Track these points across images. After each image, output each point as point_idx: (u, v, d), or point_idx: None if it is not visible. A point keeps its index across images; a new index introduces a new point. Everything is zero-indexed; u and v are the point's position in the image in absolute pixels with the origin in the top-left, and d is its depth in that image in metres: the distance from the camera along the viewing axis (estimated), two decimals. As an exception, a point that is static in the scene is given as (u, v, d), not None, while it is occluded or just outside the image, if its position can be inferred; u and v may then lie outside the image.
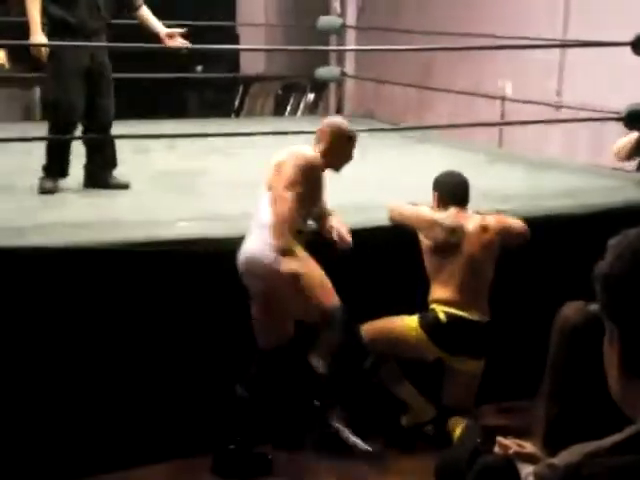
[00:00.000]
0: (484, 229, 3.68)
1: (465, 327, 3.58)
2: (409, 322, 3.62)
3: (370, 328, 3.62)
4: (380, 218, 3.92)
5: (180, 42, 4.55)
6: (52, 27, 4.44)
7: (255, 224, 3.43)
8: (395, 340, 3.63)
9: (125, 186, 4.65)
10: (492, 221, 3.72)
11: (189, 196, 4.55)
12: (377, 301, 3.80)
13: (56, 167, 4.54)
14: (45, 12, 4.41)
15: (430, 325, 3.58)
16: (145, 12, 4.68)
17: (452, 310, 3.59)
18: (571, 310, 2.45)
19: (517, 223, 3.80)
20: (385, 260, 3.86)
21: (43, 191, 4.45)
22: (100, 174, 4.66)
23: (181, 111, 8.98)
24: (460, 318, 3.57)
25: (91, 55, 4.51)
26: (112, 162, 4.70)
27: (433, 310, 3.62)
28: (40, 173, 4.53)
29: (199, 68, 9.12)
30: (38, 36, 4.36)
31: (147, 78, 7.12)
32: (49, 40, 4.40)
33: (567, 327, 2.37)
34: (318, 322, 3.37)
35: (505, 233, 3.73)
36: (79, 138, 4.67)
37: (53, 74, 4.49)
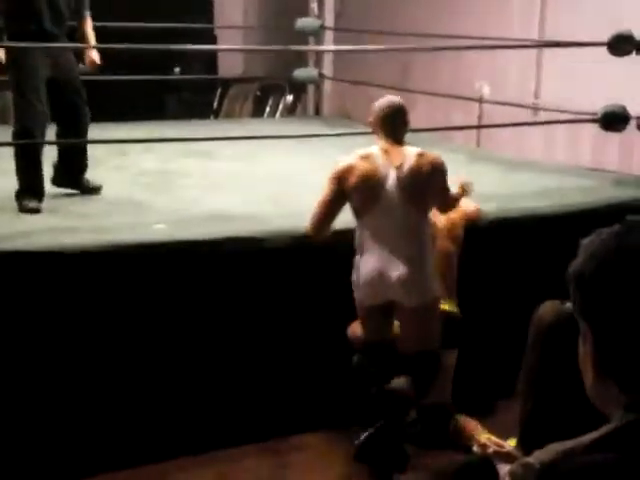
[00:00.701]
0: (452, 224, 3.73)
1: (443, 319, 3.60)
2: None
3: (355, 325, 3.62)
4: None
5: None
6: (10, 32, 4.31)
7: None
8: None
9: (97, 189, 4.60)
10: (457, 216, 3.76)
11: (166, 197, 4.54)
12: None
13: (32, 182, 4.24)
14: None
15: None
16: (87, 23, 4.63)
17: None
18: (547, 309, 2.46)
19: (473, 210, 3.89)
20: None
21: (25, 210, 4.14)
22: (72, 176, 4.58)
23: (159, 113, 8.95)
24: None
25: (54, 60, 4.39)
26: (85, 165, 4.62)
27: None
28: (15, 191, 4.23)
29: (177, 70, 9.10)
30: None
31: (125, 80, 7.09)
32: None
33: (542, 326, 2.38)
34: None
35: (467, 223, 3.80)
36: (54, 143, 4.55)
37: (15, 80, 4.29)
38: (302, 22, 7.33)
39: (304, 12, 7.74)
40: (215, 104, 9.57)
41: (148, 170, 5.33)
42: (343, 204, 3.44)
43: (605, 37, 4.76)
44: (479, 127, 7.68)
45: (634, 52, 4.48)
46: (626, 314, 1.02)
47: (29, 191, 4.23)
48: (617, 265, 1.04)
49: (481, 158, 6.07)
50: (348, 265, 3.43)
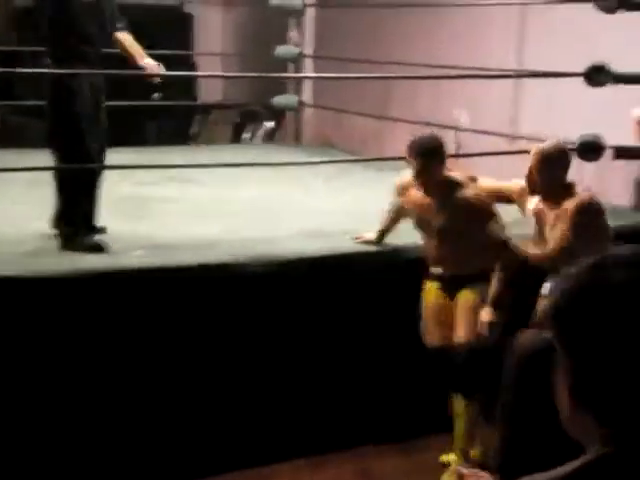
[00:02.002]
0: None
1: None
2: None
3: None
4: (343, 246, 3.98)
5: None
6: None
7: None
8: None
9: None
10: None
11: (146, 224, 4.53)
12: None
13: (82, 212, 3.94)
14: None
15: None
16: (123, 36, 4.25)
17: None
18: (526, 337, 2.47)
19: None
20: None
21: (88, 248, 3.80)
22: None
23: (138, 139, 8.93)
24: None
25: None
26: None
27: None
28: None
29: (156, 96, 9.10)
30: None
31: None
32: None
33: (520, 355, 2.39)
34: None
35: None
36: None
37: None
38: (281, 50, 7.37)
39: (283, 40, 7.78)
40: (194, 130, 9.58)
41: (127, 196, 5.31)
42: None
43: (582, 67, 4.82)
44: (457, 156, 7.73)
45: (609, 83, 4.53)
46: (603, 347, 1.03)
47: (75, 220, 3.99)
48: (593, 296, 1.05)
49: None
50: (331, 291, 3.44)
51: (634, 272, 1.05)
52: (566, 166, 3.43)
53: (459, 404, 3.59)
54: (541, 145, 3.47)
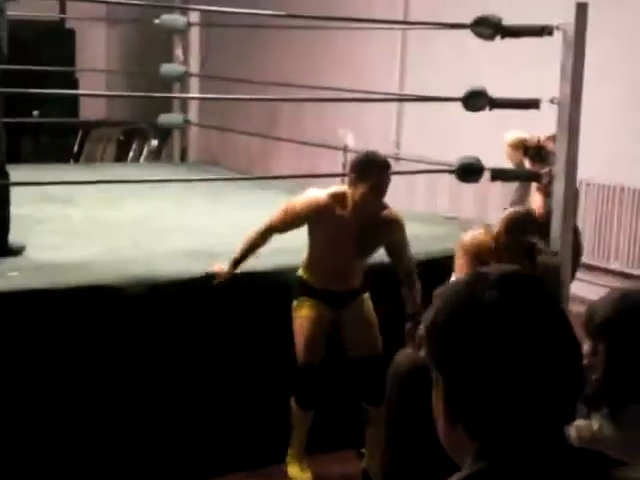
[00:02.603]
0: None
1: None
2: None
3: None
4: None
5: None
6: None
7: None
8: None
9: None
10: None
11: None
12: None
13: None
14: None
15: None
16: None
17: None
18: (402, 358, 2.51)
19: None
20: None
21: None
22: None
23: (15, 156, 8.63)
24: None
25: None
26: None
27: None
28: None
29: (35, 113, 8.84)
30: None
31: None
32: None
33: (398, 375, 2.42)
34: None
35: None
36: None
37: None
38: (166, 68, 7.29)
39: (169, 58, 7.71)
40: (76, 148, 9.34)
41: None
42: None
43: (461, 92, 4.96)
44: (343, 175, 7.82)
45: (487, 107, 4.67)
46: (474, 361, 1.05)
47: None
48: (466, 314, 1.07)
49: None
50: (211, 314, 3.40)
51: (505, 292, 1.08)
52: None
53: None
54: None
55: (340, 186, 3.83)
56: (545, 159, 4.80)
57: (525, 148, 4.95)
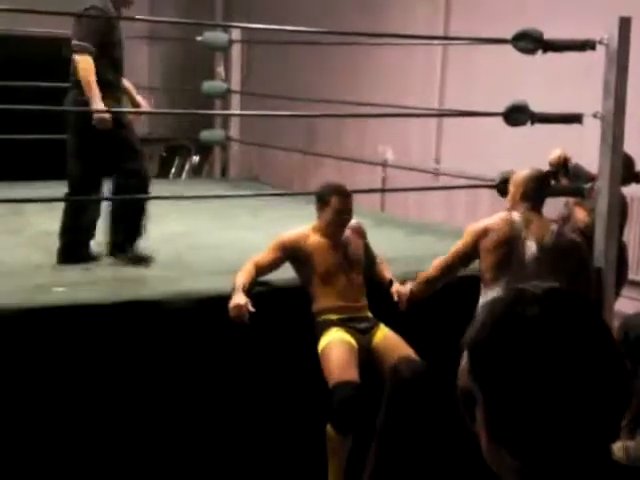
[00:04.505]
0: None
1: None
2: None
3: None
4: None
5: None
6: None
7: None
8: None
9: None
10: None
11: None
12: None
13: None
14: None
15: None
16: None
17: None
18: (402, 365, 2.52)
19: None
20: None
21: (138, 260, 4.31)
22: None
23: (60, 174, 8.77)
24: None
25: None
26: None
27: None
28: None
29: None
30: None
31: (24, 140, 6.94)
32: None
33: (396, 383, 2.41)
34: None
35: None
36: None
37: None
38: (208, 85, 7.38)
39: (210, 75, 7.80)
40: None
41: (47, 231, 5.20)
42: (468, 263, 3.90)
43: (501, 107, 4.95)
44: (382, 191, 7.85)
45: (529, 122, 4.65)
46: (514, 382, 1.05)
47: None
48: (506, 333, 1.07)
49: (386, 222, 6.18)
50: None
51: (546, 308, 1.08)
52: None
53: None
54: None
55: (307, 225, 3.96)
56: (568, 173, 4.80)
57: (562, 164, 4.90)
